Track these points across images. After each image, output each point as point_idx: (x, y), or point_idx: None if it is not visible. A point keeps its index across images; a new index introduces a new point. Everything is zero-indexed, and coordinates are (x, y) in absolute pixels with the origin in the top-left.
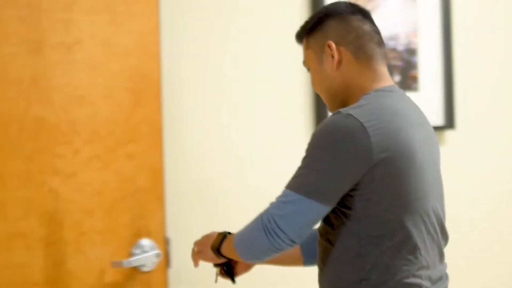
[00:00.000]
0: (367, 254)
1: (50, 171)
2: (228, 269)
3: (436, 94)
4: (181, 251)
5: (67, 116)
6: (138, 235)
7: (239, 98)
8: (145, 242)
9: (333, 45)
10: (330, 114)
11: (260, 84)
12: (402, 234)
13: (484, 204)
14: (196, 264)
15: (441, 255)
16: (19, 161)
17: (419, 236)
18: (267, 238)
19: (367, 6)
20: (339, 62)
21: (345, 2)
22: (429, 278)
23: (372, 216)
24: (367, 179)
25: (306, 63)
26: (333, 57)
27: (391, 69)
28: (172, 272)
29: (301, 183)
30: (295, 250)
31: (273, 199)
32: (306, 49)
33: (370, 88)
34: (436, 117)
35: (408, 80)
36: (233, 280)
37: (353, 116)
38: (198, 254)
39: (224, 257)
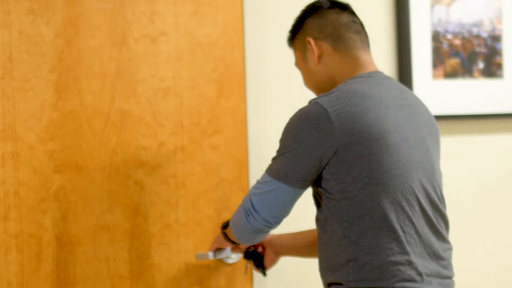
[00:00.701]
0: (351, 235)
1: (135, 164)
2: (259, 262)
3: None
4: None
5: (151, 108)
6: None
7: None
8: None
9: (312, 41)
10: None
11: None
12: (381, 213)
13: None
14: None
15: (438, 234)
16: (104, 154)
17: (401, 213)
18: (246, 218)
19: None
20: (320, 56)
21: (322, 0)
22: (420, 254)
23: (350, 197)
24: (336, 161)
25: (296, 64)
26: (314, 52)
27: (476, 56)
28: None
29: (272, 167)
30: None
31: None
32: (294, 50)
33: (351, 76)
34: None
35: (493, 67)
36: (264, 273)
37: (318, 103)
38: (215, 242)
39: (229, 239)
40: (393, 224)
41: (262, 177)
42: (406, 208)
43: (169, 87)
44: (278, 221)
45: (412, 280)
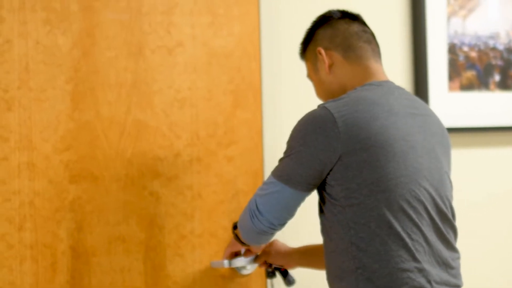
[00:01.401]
0: (358, 242)
1: (151, 175)
2: (285, 276)
3: None
4: None
5: (168, 119)
6: None
7: None
8: None
9: (322, 51)
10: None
11: None
12: (386, 220)
13: None
14: (224, 255)
15: (447, 243)
16: (120, 165)
17: (408, 221)
18: (250, 219)
19: (467, 5)
20: (331, 65)
21: (335, 10)
22: (429, 263)
23: (355, 204)
24: (340, 167)
25: (308, 76)
26: (324, 61)
27: (492, 69)
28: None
29: (277, 168)
30: None
31: None
32: (306, 62)
33: (361, 85)
34: None
35: (509, 79)
36: (294, 281)
37: (326, 108)
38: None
39: (240, 240)
40: (399, 232)
41: (268, 178)
42: (413, 216)
43: (185, 98)
44: (281, 224)
45: (422, 287)
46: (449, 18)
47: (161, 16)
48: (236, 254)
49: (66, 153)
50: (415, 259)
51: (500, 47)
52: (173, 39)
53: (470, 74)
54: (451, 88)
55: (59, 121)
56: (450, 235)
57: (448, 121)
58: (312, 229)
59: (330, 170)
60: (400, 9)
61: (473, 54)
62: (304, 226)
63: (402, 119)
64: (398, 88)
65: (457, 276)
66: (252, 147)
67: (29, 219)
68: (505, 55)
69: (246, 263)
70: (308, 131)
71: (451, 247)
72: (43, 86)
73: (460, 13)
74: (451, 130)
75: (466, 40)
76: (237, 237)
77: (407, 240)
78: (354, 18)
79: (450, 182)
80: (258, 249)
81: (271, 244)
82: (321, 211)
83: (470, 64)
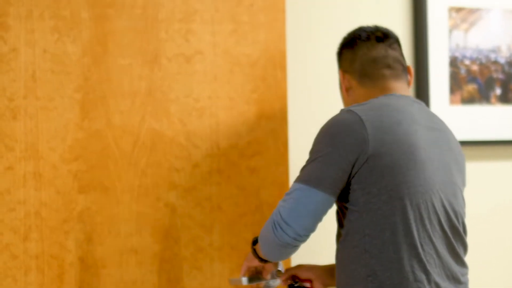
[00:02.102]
0: (371, 249)
1: (166, 186)
2: None
3: None
4: None
5: (185, 128)
6: None
7: None
8: None
9: (341, 73)
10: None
11: None
12: (403, 228)
13: None
14: (241, 271)
15: (457, 258)
16: (132, 175)
17: (422, 231)
18: (273, 231)
19: (469, 19)
20: (348, 89)
21: (365, 28)
22: (439, 275)
23: (373, 210)
24: (365, 170)
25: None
26: (343, 84)
27: (493, 82)
28: None
29: (302, 174)
30: None
31: None
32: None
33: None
34: None
35: (510, 93)
36: None
37: (353, 111)
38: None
39: (258, 256)
40: (415, 241)
41: (292, 187)
42: (428, 226)
43: (205, 107)
44: (307, 234)
45: None
46: (450, 31)
47: (178, 23)
48: (257, 269)
49: (75, 162)
50: (426, 271)
51: (502, 60)
52: (192, 47)
53: (471, 87)
54: (452, 101)
55: (68, 130)
56: (460, 250)
57: None
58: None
59: (356, 173)
60: (402, 22)
61: (475, 67)
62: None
63: (422, 130)
64: (418, 102)
65: None
66: (278, 158)
67: (35, 229)
68: (507, 68)
69: (266, 283)
70: (336, 133)
71: (461, 262)
72: (51, 95)
73: (461, 26)
74: None
75: (468, 54)
76: (254, 252)
77: (420, 250)
78: (380, 39)
79: (463, 199)
80: (272, 267)
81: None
82: (338, 221)
83: (471, 77)
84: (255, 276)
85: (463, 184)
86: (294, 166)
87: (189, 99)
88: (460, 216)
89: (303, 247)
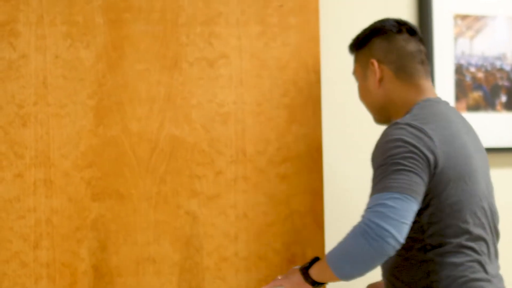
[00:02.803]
0: (435, 257)
1: (187, 193)
2: None
3: None
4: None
5: (208, 134)
6: (292, 262)
7: None
8: None
9: (375, 63)
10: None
11: None
12: (464, 238)
13: None
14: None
15: (496, 254)
16: (150, 182)
17: (479, 238)
18: (369, 244)
19: (474, 26)
20: (381, 79)
21: (394, 20)
22: (492, 275)
23: (436, 222)
24: (434, 183)
25: (354, 74)
26: (375, 74)
27: (498, 89)
28: None
29: (389, 185)
30: None
31: None
32: (355, 62)
33: (414, 100)
34: None
35: None
36: None
37: (413, 124)
38: (281, 280)
39: (312, 280)
40: (473, 246)
41: (377, 199)
42: (482, 232)
43: (230, 112)
44: (403, 240)
45: None
46: (456, 38)
47: (200, 27)
48: None
49: (88, 170)
50: (485, 271)
51: (507, 68)
52: (215, 50)
53: (476, 94)
54: (457, 109)
55: (80, 137)
56: (497, 252)
57: None
58: None
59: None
60: None
61: (480, 74)
62: None
63: (466, 137)
64: (448, 103)
65: None
66: (310, 165)
67: (46, 237)
68: None
69: None
70: (406, 145)
71: (497, 258)
72: (63, 101)
73: (467, 33)
74: None
75: (473, 61)
76: (307, 277)
77: (479, 252)
78: (412, 33)
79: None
80: None
81: None
82: None
83: (476, 84)
84: None
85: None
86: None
87: (212, 104)
88: (497, 217)
89: None
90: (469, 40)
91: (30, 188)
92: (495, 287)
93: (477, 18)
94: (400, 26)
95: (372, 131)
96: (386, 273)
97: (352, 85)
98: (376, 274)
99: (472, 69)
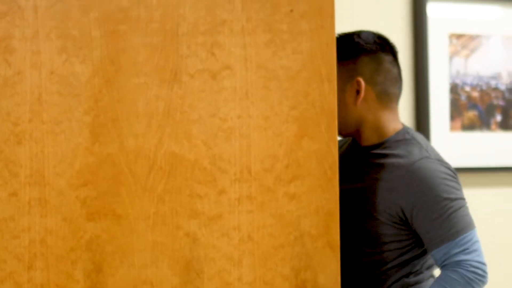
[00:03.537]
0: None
1: (187, 213)
2: None
3: None
4: None
5: (210, 151)
6: None
7: None
8: None
9: (362, 83)
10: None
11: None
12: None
13: None
14: None
15: None
16: (148, 202)
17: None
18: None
19: (469, 45)
20: (363, 99)
21: (376, 36)
22: None
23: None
24: None
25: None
26: (358, 92)
27: (493, 109)
28: None
29: (465, 222)
30: None
31: None
32: (337, 68)
33: (388, 127)
34: None
35: (510, 119)
36: None
37: (444, 162)
38: None
39: None
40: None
41: (464, 240)
42: None
43: (234, 127)
44: None
45: None
46: (451, 58)
47: (202, 36)
48: None
49: (84, 188)
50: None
51: (502, 87)
52: (218, 61)
53: (471, 114)
54: (452, 128)
55: (76, 154)
56: None
57: (449, 161)
58: None
59: None
60: (403, 49)
61: (475, 94)
62: None
63: None
64: None
65: None
66: (323, 183)
67: (40, 257)
68: (507, 95)
69: None
70: (453, 180)
71: None
72: (58, 118)
73: (462, 53)
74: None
75: (468, 80)
76: None
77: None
78: (395, 55)
79: None
80: None
81: None
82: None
83: (471, 104)
84: None
85: None
86: None
87: (214, 119)
88: None
89: None
90: (464, 59)
91: (25, 207)
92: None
93: (472, 38)
94: (386, 45)
95: None
96: None
97: None
98: None
99: (467, 88)
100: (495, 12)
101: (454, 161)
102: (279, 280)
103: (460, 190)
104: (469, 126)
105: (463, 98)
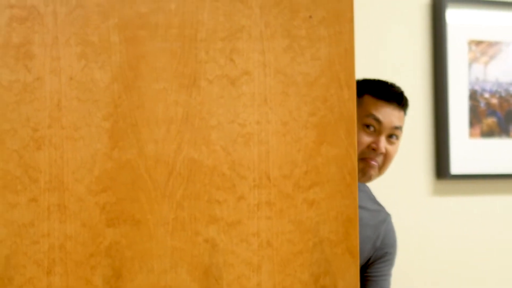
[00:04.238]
0: None
1: (206, 219)
2: None
3: None
4: None
5: (229, 157)
6: None
7: None
8: None
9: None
10: None
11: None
12: None
13: None
14: None
15: None
16: (167, 207)
17: None
18: None
19: (489, 52)
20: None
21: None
22: None
23: None
24: None
25: (398, 131)
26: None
27: (510, 117)
28: None
29: None
30: None
31: None
32: (403, 120)
33: None
34: None
35: None
36: None
37: None
38: None
39: None
40: None
41: None
42: None
43: (253, 133)
44: None
45: None
46: (470, 64)
47: (221, 42)
48: None
49: (103, 194)
50: None
51: None
52: (237, 67)
53: (491, 120)
54: (471, 135)
55: (95, 160)
56: None
57: (468, 168)
58: None
59: None
60: (422, 55)
61: (494, 100)
62: None
63: None
64: None
65: None
66: (343, 190)
67: (59, 263)
68: None
69: None
70: None
71: None
72: (77, 124)
73: (481, 59)
74: (472, 176)
75: (487, 87)
76: None
77: None
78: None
79: None
80: None
81: None
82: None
83: (491, 110)
84: None
85: None
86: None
87: (233, 125)
88: None
89: None
90: (483, 66)
91: (44, 213)
92: None
93: (491, 44)
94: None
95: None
96: None
97: None
98: None
99: (486, 95)
100: None
101: (473, 168)
102: (298, 286)
103: None
104: (488, 133)
105: (482, 104)
